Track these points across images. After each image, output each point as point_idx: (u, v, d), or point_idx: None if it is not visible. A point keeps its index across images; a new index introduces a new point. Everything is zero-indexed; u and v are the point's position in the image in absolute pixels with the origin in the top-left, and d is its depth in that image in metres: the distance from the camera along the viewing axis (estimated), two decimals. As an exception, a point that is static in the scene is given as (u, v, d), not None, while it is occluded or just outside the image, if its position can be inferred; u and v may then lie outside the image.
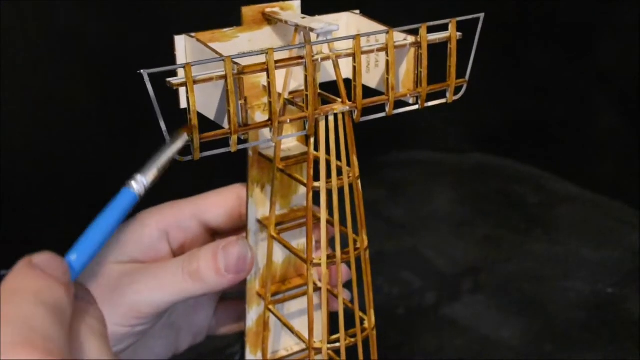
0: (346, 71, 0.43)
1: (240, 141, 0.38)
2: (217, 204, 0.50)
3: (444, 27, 0.42)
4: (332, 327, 0.45)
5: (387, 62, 0.40)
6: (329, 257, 0.43)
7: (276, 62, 0.37)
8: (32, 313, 0.28)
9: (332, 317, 0.45)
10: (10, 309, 0.28)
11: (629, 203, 0.96)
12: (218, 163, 0.45)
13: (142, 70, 0.34)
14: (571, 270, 0.85)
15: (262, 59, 0.37)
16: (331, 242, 0.44)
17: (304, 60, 0.38)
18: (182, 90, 0.42)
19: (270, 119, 0.38)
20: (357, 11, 0.46)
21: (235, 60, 0.37)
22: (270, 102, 0.38)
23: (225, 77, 0.36)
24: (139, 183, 0.32)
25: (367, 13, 0.46)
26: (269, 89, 0.38)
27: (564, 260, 0.87)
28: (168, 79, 0.36)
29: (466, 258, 0.88)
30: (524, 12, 1.05)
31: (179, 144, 0.36)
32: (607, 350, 0.73)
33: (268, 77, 0.37)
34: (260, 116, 0.44)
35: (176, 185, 0.37)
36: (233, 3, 0.46)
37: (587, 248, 0.89)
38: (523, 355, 0.73)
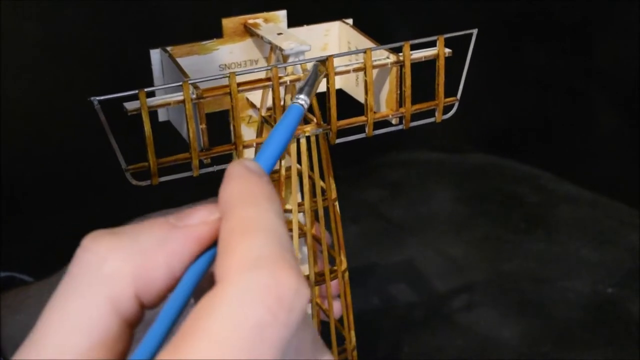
0: (339, 82, 0.41)
1: (205, 164, 0.37)
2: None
3: (434, 41, 0.40)
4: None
5: (365, 82, 0.39)
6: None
7: (240, 84, 0.36)
8: (279, 224, 0.24)
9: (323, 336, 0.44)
10: (257, 214, 0.23)
11: (629, 203, 0.96)
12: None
13: (92, 98, 0.33)
14: (571, 270, 0.85)
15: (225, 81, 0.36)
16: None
17: (270, 83, 0.37)
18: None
19: (234, 143, 0.37)
20: (350, 20, 0.45)
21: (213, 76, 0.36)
22: (234, 127, 0.37)
23: (183, 102, 0.35)
24: (302, 100, 0.32)
25: (368, 15, 0.43)
26: (231, 113, 0.36)
27: (564, 260, 0.87)
28: (125, 104, 0.35)
29: (466, 258, 0.88)
30: (524, 12, 1.05)
31: (321, 75, 0.33)
32: (607, 350, 0.73)
33: (231, 100, 0.36)
34: (244, 129, 0.42)
35: (172, 187, 0.37)
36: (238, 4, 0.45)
37: (587, 248, 0.89)
38: (523, 355, 0.73)
